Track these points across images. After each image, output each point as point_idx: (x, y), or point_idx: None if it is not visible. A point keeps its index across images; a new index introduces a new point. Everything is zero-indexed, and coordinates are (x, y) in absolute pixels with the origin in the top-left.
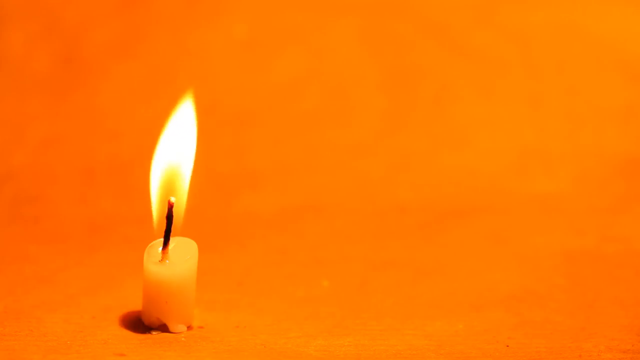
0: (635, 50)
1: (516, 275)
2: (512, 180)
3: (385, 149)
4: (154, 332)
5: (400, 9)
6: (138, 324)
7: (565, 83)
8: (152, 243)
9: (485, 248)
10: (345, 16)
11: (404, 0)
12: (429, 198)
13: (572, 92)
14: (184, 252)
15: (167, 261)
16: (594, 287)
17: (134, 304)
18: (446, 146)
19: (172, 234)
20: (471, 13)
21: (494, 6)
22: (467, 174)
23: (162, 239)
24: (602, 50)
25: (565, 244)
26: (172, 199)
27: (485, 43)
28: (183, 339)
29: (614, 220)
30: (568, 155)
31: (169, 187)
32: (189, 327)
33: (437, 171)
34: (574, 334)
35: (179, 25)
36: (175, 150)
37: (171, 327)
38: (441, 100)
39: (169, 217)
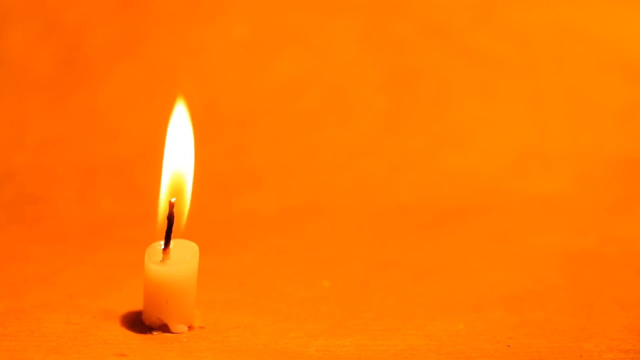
0: (635, 50)
1: (516, 275)
2: (512, 180)
3: (385, 149)
4: (154, 332)
5: (401, 9)
6: (139, 324)
7: (565, 83)
8: (153, 243)
9: (485, 248)
10: (345, 16)
11: (404, 0)
12: (429, 198)
13: (572, 92)
14: (185, 252)
15: (168, 261)
16: (594, 287)
17: (135, 304)
18: (446, 146)
19: (173, 236)
20: (471, 13)
21: (494, 6)
22: (467, 174)
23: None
24: (602, 50)
25: (565, 244)
26: (173, 200)
27: (485, 43)
28: (184, 339)
29: (614, 220)
30: (568, 156)
31: (173, 190)
32: (190, 327)
33: (437, 171)
34: (575, 334)
35: (179, 25)
36: (177, 156)
37: (172, 327)
38: (441, 100)
39: (170, 217)
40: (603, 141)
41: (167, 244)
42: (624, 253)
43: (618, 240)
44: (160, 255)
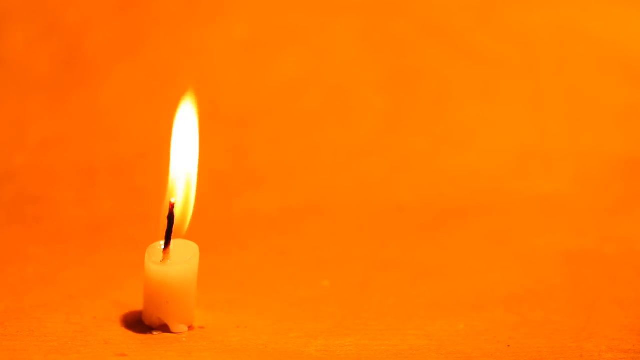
0: (635, 50)
1: (516, 275)
2: (512, 180)
3: (385, 149)
4: (155, 332)
5: (401, 9)
6: (139, 324)
7: (565, 83)
8: (153, 243)
9: (485, 248)
10: (345, 16)
11: (404, 0)
12: (429, 198)
13: (572, 92)
14: (185, 252)
15: (168, 261)
16: (594, 287)
17: (135, 304)
18: (446, 146)
19: (175, 237)
20: (471, 13)
21: (494, 6)
22: (467, 174)
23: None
24: (602, 50)
25: (565, 244)
26: (173, 200)
27: (485, 43)
28: (184, 339)
29: (614, 220)
30: (568, 155)
31: (180, 191)
32: (190, 327)
33: (437, 171)
34: (575, 334)
35: (179, 25)
36: (184, 156)
37: (172, 327)
38: (441, 100)
39: (170, 217)
40: (603, 141)
41: (167, 244)
42: (624, 253)
43: (618, 240)
44: (161, 255)
